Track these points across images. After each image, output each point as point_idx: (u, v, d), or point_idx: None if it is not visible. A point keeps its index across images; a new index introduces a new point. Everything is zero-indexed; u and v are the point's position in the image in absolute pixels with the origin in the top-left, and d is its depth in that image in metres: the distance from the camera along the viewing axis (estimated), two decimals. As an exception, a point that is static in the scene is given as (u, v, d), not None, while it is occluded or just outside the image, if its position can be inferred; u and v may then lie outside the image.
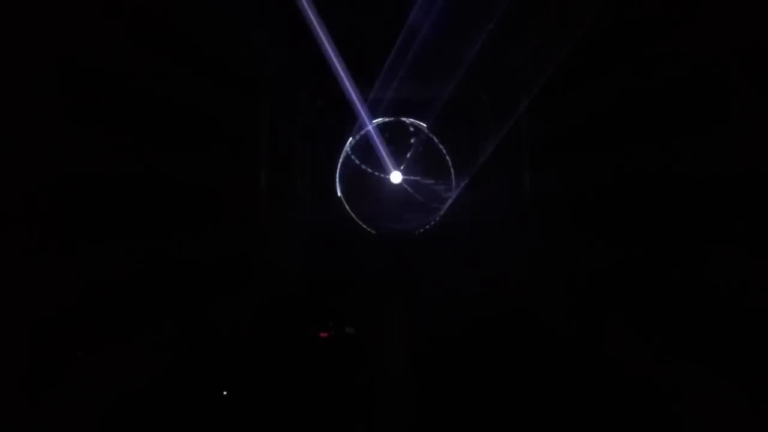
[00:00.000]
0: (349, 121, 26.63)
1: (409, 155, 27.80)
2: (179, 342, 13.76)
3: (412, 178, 28.08)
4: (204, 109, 16.65)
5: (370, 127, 26.17)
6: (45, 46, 10.38)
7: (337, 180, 27.83)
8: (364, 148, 27.76)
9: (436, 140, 27.71)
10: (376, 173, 27.91)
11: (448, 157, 27.15)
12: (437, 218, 27.49)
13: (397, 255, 25.44)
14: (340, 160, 27.30)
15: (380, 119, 27.03)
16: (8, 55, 9.44)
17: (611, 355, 13.66)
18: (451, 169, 27.02)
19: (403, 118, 27.70)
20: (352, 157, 27.92)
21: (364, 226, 27.15)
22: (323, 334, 16.35)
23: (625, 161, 14.44)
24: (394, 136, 27.99)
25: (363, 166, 28.61)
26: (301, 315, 18.54)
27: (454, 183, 27.61)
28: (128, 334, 12.03)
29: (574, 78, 17.21)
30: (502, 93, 22.33)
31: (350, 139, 27.37)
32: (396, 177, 26.89)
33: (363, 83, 25.37)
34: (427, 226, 27.00)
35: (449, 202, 27.37)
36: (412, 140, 28.10)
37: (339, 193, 27.24)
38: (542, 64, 17.89)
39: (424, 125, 27.16)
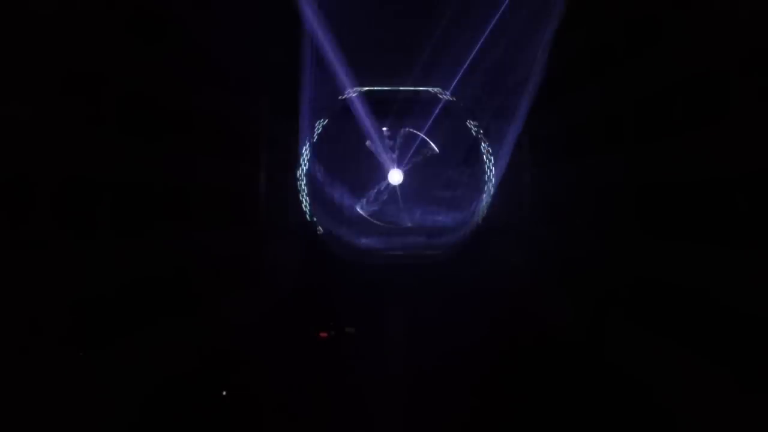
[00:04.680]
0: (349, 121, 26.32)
1: (411, 156, 27.29)
2: (178, 341, 13.74)
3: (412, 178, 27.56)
4: (204, 110, 16.62)
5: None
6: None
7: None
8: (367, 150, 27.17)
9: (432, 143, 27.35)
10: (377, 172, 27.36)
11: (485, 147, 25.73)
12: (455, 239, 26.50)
13: (398, 257, 25.29)
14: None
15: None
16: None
17: (611, 353, 13.62)
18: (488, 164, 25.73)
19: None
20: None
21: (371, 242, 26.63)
22: (323, 334, 16.35)
23: (626, 162, 14.40)
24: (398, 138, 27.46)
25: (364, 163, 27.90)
26: (301, 315, 18.50)
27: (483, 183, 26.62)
28: (127, 334, 12.02)
29: (574, 79, 17.17)
30: (502, 93, 22.26)
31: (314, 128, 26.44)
32: (395, 177, 26.58)
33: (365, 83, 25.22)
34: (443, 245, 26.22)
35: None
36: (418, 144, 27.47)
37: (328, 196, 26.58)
38: (542, 66, 17.86)
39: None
